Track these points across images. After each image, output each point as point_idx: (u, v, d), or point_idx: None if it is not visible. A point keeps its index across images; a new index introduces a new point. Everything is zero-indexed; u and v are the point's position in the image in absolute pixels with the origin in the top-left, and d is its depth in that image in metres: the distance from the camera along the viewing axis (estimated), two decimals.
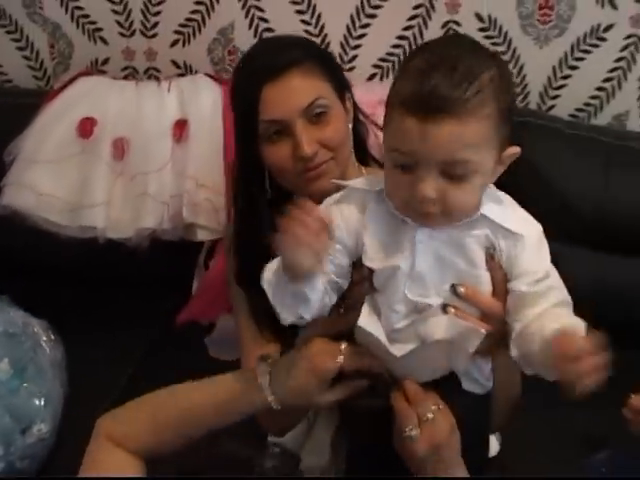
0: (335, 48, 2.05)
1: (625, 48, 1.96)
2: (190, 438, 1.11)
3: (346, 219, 1.04)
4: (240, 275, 1.31)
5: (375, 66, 2.06)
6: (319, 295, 1.02)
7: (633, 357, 1.52)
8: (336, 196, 1.09)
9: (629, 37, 1.94)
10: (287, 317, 1.03)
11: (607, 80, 1.99)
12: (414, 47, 2.00)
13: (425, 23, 1.99)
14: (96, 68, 2.10)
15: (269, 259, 1.12)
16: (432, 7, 1.97)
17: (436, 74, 0.89)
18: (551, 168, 1.83)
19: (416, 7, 1.97)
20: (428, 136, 0.89)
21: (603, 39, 1.94)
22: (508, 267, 1.00)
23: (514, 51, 1.99)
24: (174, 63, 2.09)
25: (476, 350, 1.03)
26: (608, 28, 1.93)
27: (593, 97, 2.00)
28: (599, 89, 1.99)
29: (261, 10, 2.01)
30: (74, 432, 1.48)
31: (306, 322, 1.07)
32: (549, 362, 0.89)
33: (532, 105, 2.02)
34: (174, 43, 2.08)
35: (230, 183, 1.76)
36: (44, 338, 1.55)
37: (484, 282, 1.00)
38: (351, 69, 2.08)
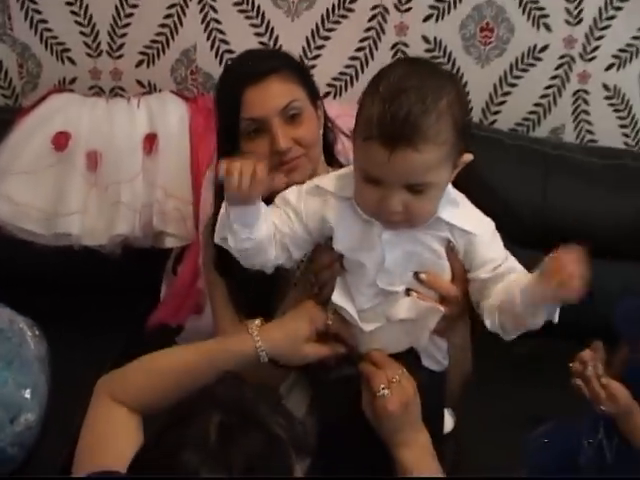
0: None
1: (559, 67, 2.25)
2: (186, 392, 1.26)
3: (307, 204, 1.24)
4: (219, 264, 1.50)
5: (329, 85, 2.29)
6: (265, 229, 1.20)
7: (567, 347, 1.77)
8: (303, 187, 1.29)
9: (563, 57, 2.23)
10: (237, 243, 1.21)
11: (543, 96, 2.28)
12: (365, 67, 2.23)
13: (375, 45, 2.26)
14: (63, 87, 2.28)
15: None
16: (382, 30, 2.22)
17: (397, 106, 1.05)
18: (494, 177, 2.08)
19: (367, 30, 2.22)
20: (393, 164, 1.06)
21: (539, 59, 2.22)
22: (466, 260, 1.22)
23: (458, 70, 2.26)
24: (139, 82, 2.31)
25: (435, 329, 1.24)
26: (544, 49, 2.21)
27: (531, 112, 2.28)
28: (536, 105, 2.27)
29: (222, 32, 2.25)
30: (58, 421, 1.70)
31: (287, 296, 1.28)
32: (536, 294, 1.09)
33: (475, 120, 2.27)
34: (139, 63, 2.29)
35: (197, 193, 2.00)
36: (29, 334, 1.72)
37: (445, 270, 1.22)
38: None
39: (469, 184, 1.63)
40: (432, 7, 2.21)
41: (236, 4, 2.22)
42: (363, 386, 1.24)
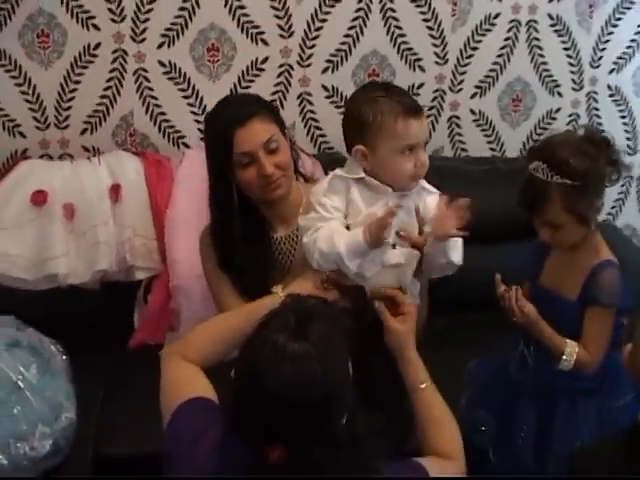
0: None
1: (434, 99, 3.10)
2: (235, 345, 1.80)
3: (338, 200, 1.92)
4: (223, 263, 2.16)
5: None
6: None
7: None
8: (324, 185, 1.95)
9: (436, 91, 3.09)
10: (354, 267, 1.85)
11: None
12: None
13: (284, 96, 3.03)
14: (16, 158, 2.90)
15: (240, 249, 2.05)
16: (289, 83, 3.00)
17: (402, 93, 1.89)
18: None
19: (277, 84, 3.01)
20: (421, 126, 1.81)
21: (417, 94, 3.05)
22: (425, 214, 1.95)
23: None
24: (84, 148, 2.96)
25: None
26: (420, 86, 3.06)
27: None
28: None
29: (155, 98, 2.97)
30: (87, 419, 2.29)
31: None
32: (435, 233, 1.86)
33: None
34: (83, 131, 2.94)
35: (160, 230, 2.67)
36: (54, 350, 2.32)
37: (415, 227, 1.95)
38: None
39: None
40: (328, 61, 3.00)
41: (165, 73, 2.95)
42: (382, 311, 1.89)
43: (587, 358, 2.02)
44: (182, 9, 2.91)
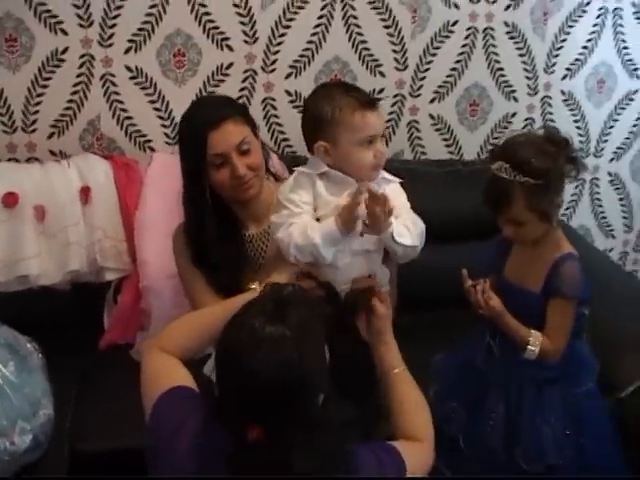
0: None
1: (394, 104, 3.28)
2: (214, 339, 1.88)
3: (305, 195, 2.05)
4: (198, 259, 2.29)
5: None
6: None
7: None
8: (290, 183, 2.10)
9: (396, 96, 3.27)
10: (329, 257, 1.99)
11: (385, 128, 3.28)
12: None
13: (249, 101, 3.19)
14: None
15: (213, 246, 2.19)
16: (253, 88, 3.16)
17: (356, 88, 2.06)
18: None
19: (242, 89, 3.17)
20: (377, 118, 1.97)
21: (379, 99, 3.19)
22: None
23: None
24: (51, 152, 3.07)
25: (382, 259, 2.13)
26: (380, 91, 3.24)
27: None
28: None
29: (121, 102, 3.09)
30: (62, 416, 2.41)
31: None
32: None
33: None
34: (50, 135, 3.06)
35: (129, 232, 2.79)
36: (30, 348, 2.43)
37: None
38: None
39: None
40: (291, 67, 3.16)
41: (132, 77, 3.08)
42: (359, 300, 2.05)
43: (551, 347, 2.19)
44: (149, 15, 3.03)
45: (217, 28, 3.11)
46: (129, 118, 3.15)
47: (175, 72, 3.13)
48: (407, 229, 2.06)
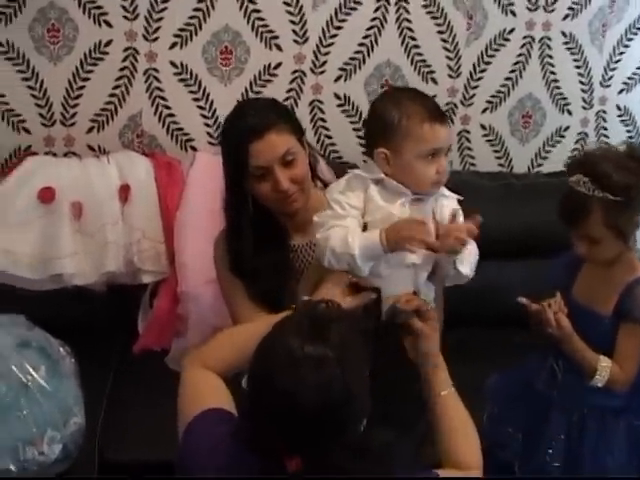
0: None
1: (445, 112, 3.09)
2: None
3: (355, 198, 1.91)
4: (237, 269, 2.13)
5: None
6: None
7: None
8: (341, 183, 1.96)
9: (447, 104, 3.10)
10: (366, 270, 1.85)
11: None
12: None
13: (296, 102, 3.03)
14: (19, 155, 2.85)
15: (251, 255, 2.04)
16: (301, 90, 3.00)
17: (429, 99, 1.90)
18: None
19: (289, 91, 3.00)
20: (445, 131, 1.83)
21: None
22: (441, 218, 1.93)
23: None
24: (89, 147, 2.92)
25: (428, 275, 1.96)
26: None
27: None
28: None
29: (164, 99, 2.95)
30: (91, 424, 2.25)
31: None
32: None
33: None
34: (90, 130, 2.90)
35: (169, 233, 2.64)
36: (62, 352, 2.27)
37: (432, 231, 1.93)
38: None
39: None
40: (341, 69, 3.00)
41: (176, 74, 2.92)
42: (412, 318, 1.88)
43: (621, 375, 2.05)
44: (196, 10, 2.89)
45: (266, 26, 2.96)
46: (171, 116, 3.00)
47: (221, 70, 2.98)
48: (469, 255, 1.91)
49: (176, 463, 1.65)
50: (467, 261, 1.90)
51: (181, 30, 2.91)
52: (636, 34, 3.25)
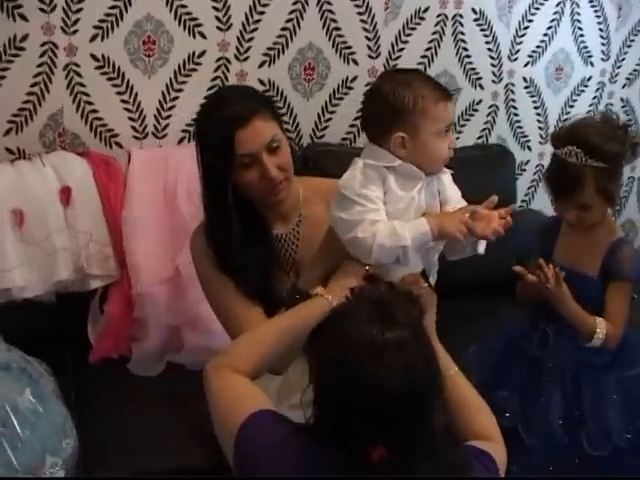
0: (150, 120, 2.85)
1: None
2: (284, 355, 1.79)
3: (377, 190, 1.84)
4: (225, 265, 2.03)
5: (183, 131, 2.90)
6: None
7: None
8: (358, 176, 1.85)
9: (368, 85, 3.09)
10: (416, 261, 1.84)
11: (356, 118, 3.09)
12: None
13: None
14: None
15: (241, 249, 1.97)
16: (226, 78, 2.91)
17: (432, 79, 1.89)
18: None
19: (213, 79, 2.90)
20: (453, 107, 1.84)
21: (351, 87, 3.06)
22: (444, 194, 1.94)
23: (289, 105, 3.00)
24: (8, 150, 2.73)
25: None
26: (354, 79, 3.07)
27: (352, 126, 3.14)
28: (354, 121, 3.10)
29: (87, 95, 2.78)
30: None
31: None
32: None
33: (307, 140, 3.08)
34: (7, 132, 2.72)
35: (115, 234, 2.51)
36: (41, 370, 2.11)
37: (437, 208, 1.93)
38: (164, 136, 2.89)
39: None
40: (265, 54, 2.94)
41: (98, 67, 2.77)
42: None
43: (614, 333, 2.12)
44: None
45: (189, 14, 2.84)
46: (94, 112, 2.83)
47: (144, 61, 2.84)
48: None
49: (236, 465, 1.55)
50: (485, 241, 1.90)
51: (101, 21, 2.74)
52: (539, 9, 3.36)
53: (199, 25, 2.87)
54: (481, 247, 1.89)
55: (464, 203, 1.97)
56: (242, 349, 1.78)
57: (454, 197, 1.95)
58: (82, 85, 2.79)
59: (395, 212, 1.85)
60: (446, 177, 1.95)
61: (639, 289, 2.22)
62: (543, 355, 2.23)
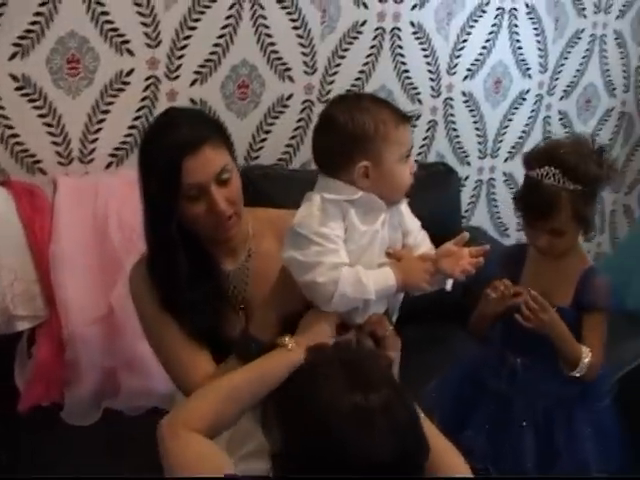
0: (75, 144, 2.67)
1: (302, 111, 2.98)
2: (246, 409, 1.62)
3: (337, 227, 1.69)
4: (168, 304, 1.87)
5: (111, 155, 2.74)
6: None
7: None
8: (315, 213, 1.68)
9: (304, 102, 2.99)
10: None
11: (293, 137, 2.97)
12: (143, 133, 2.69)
13: (151, 111, 2.75)
14: None
15: (187, 286, 1.81)
16: (156, 97, 2.74)
17: (388, 102, 1.75)
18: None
19: (142, 99, 2.73)
20: (410, 133, 1.73)
21: (286, 106, 2.92)
22: (404, 225, 1.82)
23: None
24: None
25: None
26: (289, 97, 2.93)
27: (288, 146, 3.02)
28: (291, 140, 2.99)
29: (6, 118, 2.59)
30: None
31: None
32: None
33: (241, 161, 2.92)
34: None
35: (43, 270, 2.33)
36: None
37: (399, 242, 1.80)
38: (90, 161, 2.70)
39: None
40: (197, 72, 2.78)
41: (18, 88, 2.57)
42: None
43: (595, 362, 2.05)
44: (38, 14, 2.54)
45: (116, 30, 2.66)
46: (15, 136, 2.62)
47: (68, 81, 2.65)
48: None
49: None
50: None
51: (20, 38, 2.54)
52: (477, 21, 3.28)
53: (127, 42, 2.69)
54: (448, 284, 1.77)
55: (424, 233, 1.86)
56: (199, 406, 1.61)
57: (415, 228, 1.82)
58: (1, 108, 2.58)
59: (358, 249, 1.71)
60: (404, 207, 1.83)
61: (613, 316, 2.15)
62: (511, 391, 2.14)
